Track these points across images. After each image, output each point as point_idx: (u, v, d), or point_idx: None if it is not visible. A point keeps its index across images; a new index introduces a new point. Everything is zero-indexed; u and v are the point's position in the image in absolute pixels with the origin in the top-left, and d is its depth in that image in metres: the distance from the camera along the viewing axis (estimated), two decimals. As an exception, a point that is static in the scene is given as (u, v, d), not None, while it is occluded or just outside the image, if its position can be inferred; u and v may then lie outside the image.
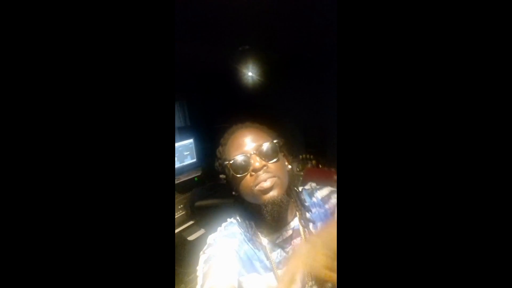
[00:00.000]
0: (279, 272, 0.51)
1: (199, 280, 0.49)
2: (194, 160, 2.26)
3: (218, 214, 0.68)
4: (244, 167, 0.50)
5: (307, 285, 0.52)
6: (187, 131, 2.47)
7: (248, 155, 0.50)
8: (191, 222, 1.71)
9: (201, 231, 1.66)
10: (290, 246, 0.54)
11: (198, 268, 0.51)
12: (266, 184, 0.49)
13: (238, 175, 0.51)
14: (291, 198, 0.56)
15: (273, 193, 0.49)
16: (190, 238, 1.60)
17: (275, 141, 0.53)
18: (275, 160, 0.51)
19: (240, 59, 1.97)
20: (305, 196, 0.61)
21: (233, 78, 2.32)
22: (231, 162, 0.51)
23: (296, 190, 0.59)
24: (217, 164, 0.57)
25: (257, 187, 0.49)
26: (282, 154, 0.54)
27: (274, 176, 0.49)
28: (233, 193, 0.57)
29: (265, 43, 1.76)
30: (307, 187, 0.65)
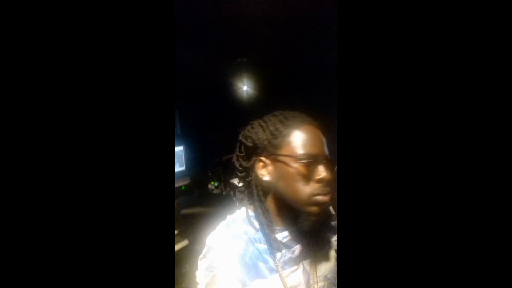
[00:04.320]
0: (284, 272, 0.48)
1: None
2: (183, 168, 2.23)
3: (204, 225, 0.65)
4: (311, 174, 0.44)
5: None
6: (177, 138, 2.44)
7: (323, 160, 0.45)
8: (175, 232, 1.66)
9: (184, 242, 1.61)
10: (296, 247, 0.51)
11: (198, 274, 0.47)
12: (324, 198, 0.45)
13: (302, 176, 0.44)
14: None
15: (326, 207, 0.46)
16: (173, 248, 1.54)
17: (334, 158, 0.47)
18: (334, 177, 0.44)
19: (236, 71, 2.00)
20: None
21: (227, 89, 2.34)
22: (302, 161, 0.44)
23: None
24: (265, 139, 0.48)
25: (316, 197, 0.45)
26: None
27: (332, 193, 0.45)
28: (265, 177, 0.49)
29: (262, 57, 1.80)
30: None
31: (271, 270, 0.48)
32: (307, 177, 0.44)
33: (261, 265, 0.48)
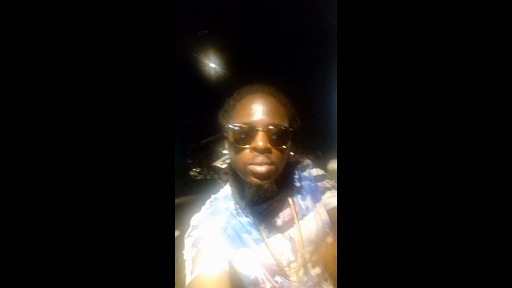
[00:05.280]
0: (270, 241, 0.49)
1: (188, 265, 0.45)
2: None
3: (193, 213, 0.62)
4: (246, 141, 0.44)
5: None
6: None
7: (258, 129, 0.43)
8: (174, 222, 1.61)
9: (176, 233, 1.58)
10: (278, 216, 0.52)
11: (185, 252, 0.47)
12: (261, 169, 0.43)
13: (237, 145, 0.44)
14: (280, 181, 0.52)
15: (263, 181, 0.44)
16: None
17: (291, 129, 0.46)
18: (281, 147, 0.45)
19: (200, 47, 1.86)
20: (296, 169, 0.59)
21: (192, 69, 2.19)
22: (234, 128, 0.44)
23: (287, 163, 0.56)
24: (221, 115, 0.51)
25: (250, 167, 0.44)
26: (290, 143, 0.48)
27: (272, 164, 0.44)
28: (224, 151, 0.51)
29: (224, 29, 1.68)
30: (300, 162, 0.62)
31: (257, 240, 0.49)
32: (243, 146, 0.44)
33: (246, 236, 0.49)
